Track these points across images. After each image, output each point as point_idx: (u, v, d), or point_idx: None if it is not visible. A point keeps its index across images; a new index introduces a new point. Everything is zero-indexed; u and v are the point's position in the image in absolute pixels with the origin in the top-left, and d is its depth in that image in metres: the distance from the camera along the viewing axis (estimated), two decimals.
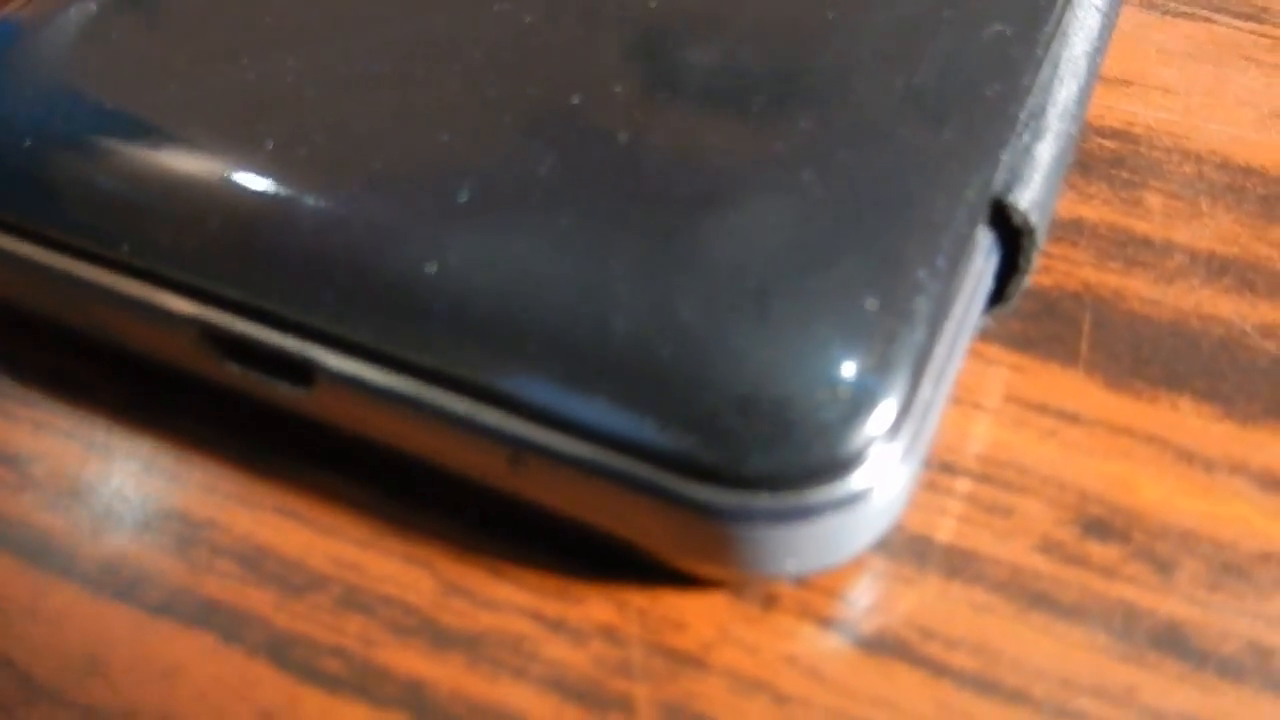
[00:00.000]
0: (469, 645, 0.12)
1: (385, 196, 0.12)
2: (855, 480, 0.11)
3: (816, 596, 0.12)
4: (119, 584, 0.12)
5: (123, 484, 0.13)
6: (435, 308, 0.11)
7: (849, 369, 0.11)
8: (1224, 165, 0.17)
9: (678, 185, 0.12)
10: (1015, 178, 0.13)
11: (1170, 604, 0.12)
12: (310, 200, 0.12)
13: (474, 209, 0.12)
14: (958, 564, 0.13)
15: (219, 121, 0.13)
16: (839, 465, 0.11)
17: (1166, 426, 0.14)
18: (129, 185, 0.12)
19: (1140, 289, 0.15)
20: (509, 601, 0.12)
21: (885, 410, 0.11)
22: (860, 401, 0.11)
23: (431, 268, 0.12)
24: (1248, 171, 0.16)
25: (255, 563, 0.13)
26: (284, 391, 0.12)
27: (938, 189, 0.12)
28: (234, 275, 0.12)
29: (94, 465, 0.13)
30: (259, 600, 0.12)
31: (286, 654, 0.12)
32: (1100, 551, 0.13)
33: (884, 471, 0.11)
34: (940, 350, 0.12)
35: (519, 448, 0.11)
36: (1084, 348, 0.15)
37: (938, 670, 0.12)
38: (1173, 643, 0.12)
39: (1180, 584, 0.12)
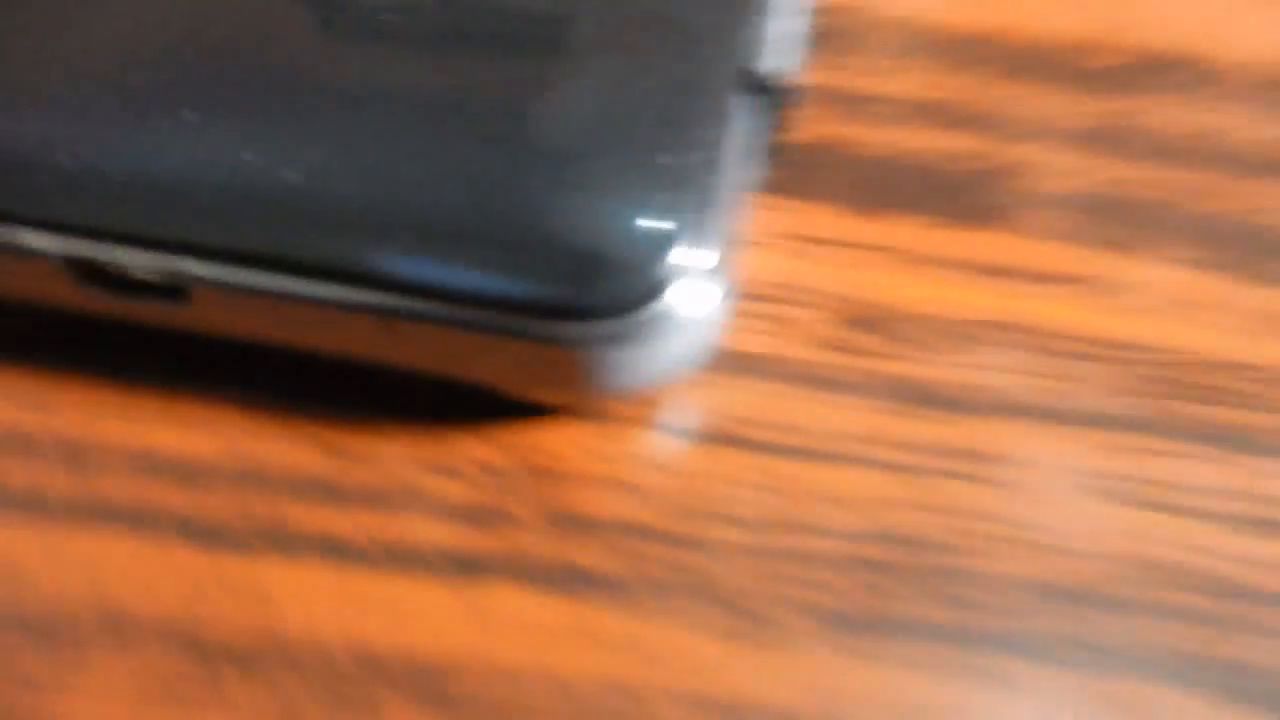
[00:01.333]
0: (367, 497, 0.14)
1: (240, 115, 0.13)
2: (667, 304, 0.13)
3: (648, 410, 0.15)
4: (15, 500, 0.13)
5: (41, 425, 0.14)
6: (300, 209, 0.13)
7: (657, 214, 0.13)
8: (915, 30, 0.20)
9: (483, 99, 0.14)
10: (767, 51, 0.15)
11: (924, 370, 0.15)
12: (163, 123, 0.13)
13: (318, 117, 0.13)
14: (756, 366, 0.15)
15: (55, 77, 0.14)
16: (655, 292, 0.13)
17: (897, 239, 0.17)
18: None
19: (861, 134, 0.18)
20: (394, 456, 0.14)
21: (687, 244, 0.13)
22: (667, 239, 0.13)
23: (293, 173, 0.13)
24: (935, 31, 0.20)
25: (147, 463, 0.14)
26: (160, 309, 0.14)
27: (701, 66, 0.15)
28: (102, 205, 0.13)
29: None
30: (159, 492, 0.13)
31: (198, 531, 0.13)
32: (866, 340, 0.16)
33: (692, 296, 0.13)
34: (725, 195, 0.14)
35: (389, 317, 0.13)
36: (825, 186, 0.17)
37: (758, 448, 0.14)
38: (931, 398, 0.15)
39: (929, 354, 0.16)
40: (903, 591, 0.13)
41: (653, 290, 0.13)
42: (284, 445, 0.14)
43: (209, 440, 0.14)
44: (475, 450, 0.14)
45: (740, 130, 0.15)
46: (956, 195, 0.17)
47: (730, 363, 0.15)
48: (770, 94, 0.16)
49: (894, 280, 0.16)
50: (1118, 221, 0.17)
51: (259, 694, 0.12)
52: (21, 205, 0.13)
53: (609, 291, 0.13)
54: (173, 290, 0.13)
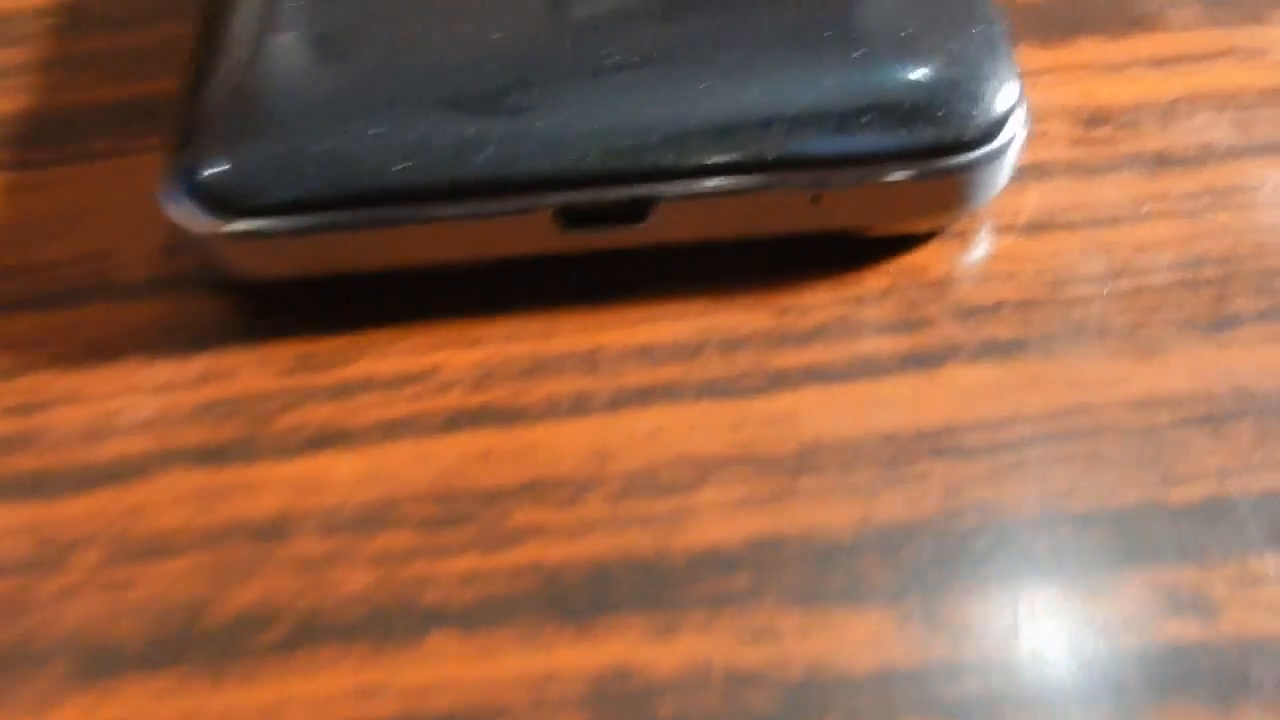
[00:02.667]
0: (818, 334, 0.17)
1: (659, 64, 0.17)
2: (1009, 131, 0.17)
3: (980, 221, 0.19)
4: (565, 409, 0.17)
5: (503, 361, 0.17)
6: (734, 121, 0.17)
7: (990, 69, 0.17)
8: None
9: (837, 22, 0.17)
10: None
11: (1154, 143, 0.20)
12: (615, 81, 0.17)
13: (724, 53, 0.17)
14: (1038, 170, 0.19)
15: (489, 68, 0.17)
16: (1001, 123, 0.17)
17: (1083, 57, 0.21)
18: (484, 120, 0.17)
19: None
20: (821, 302, 0.18)
21: (1009, 87, 0.17)
22: (1002, 84, 0.17)
23: (726, 96, 0.17)
24: None
25: (647, 354, 0.17)
26: (619, 233, 0.17)
27: None
28: (581, 155, 0.16)
29: (477, 355, 0.17)
30: (669, 372, 0.17)
31: (715, 390, 0.17)
32: (1101, 133, 0.20)
33: (1016, 124, 0.17)
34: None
35: (820, 188, 0.17)
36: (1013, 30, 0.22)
37: (1072, 226, 0.19)
38: (1169, 161, 0.20)
39: (1151, 132, 0.20)
40: (1238, 292, 0.17)
41: (1000, 122, 0.17)
42: (739, 315, 0.18)
43: (681, 326, 0.18)
44: (876, 282, 0.18)
45: None
46: (1110, 14, 0.22)
47: (1021, 173, 0.19)
48: None
49: (1098, 87, 0.21)
50: (1238, 2, 0.21)
51: (826, 483, 0.16)
52: (515, 173, 0.17)
53: (980, 126, 0.17)
54: (635, 213, 0.17)
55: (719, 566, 0.15)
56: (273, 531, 0.16)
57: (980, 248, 0.19)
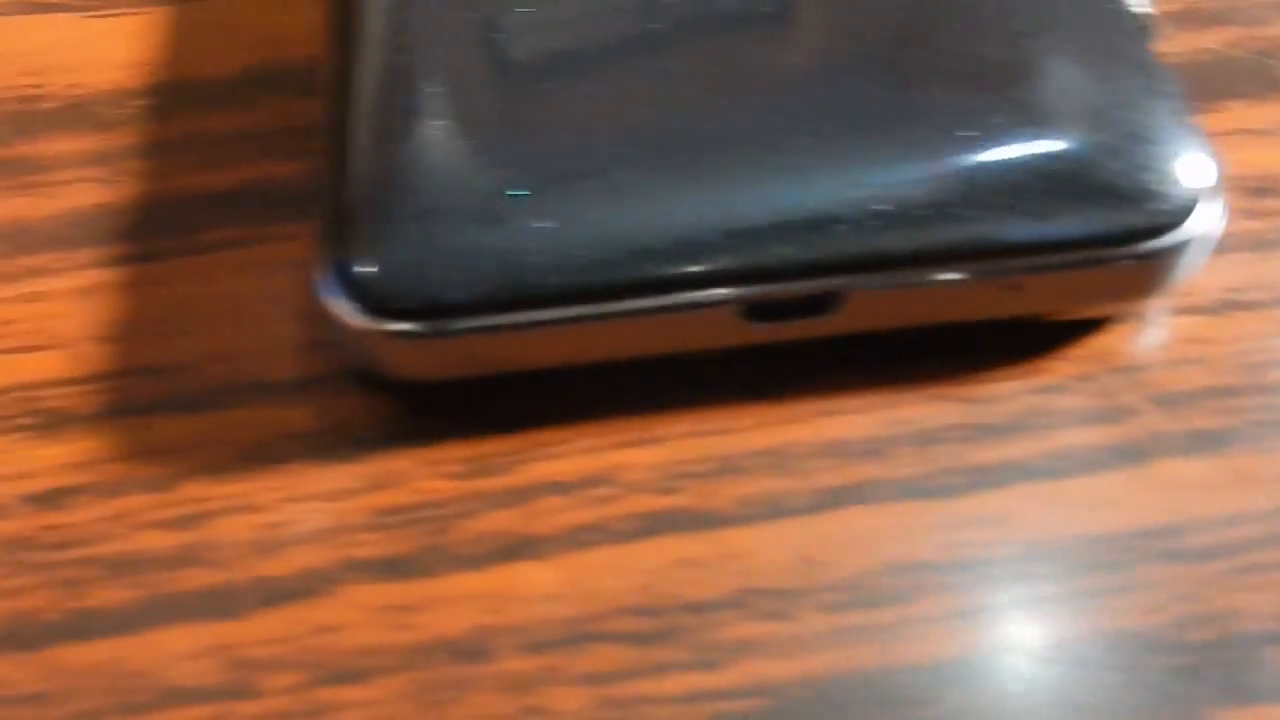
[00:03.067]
0: (1013, 427, 0.17)
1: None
2: (1211, 211, 0.17)
3: (1161, 301, 0.18)
4: (764, 512, 0.16)
5: (687, 460, 0.16)
6: (944, 209, 0.16)
7: (1186, 144, 0.17)
8: None
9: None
10: None
11: None
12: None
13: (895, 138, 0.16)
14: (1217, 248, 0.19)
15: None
16: (1196, 200, 0.17)
17: (1239, 122, 0.21)
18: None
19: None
20: (1008, 391, 0.17)
21: (1204, 160, 0.17)
22: (1198, 159, 0.16)
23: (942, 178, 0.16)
24: None
25: (836, 450, 0.16)
26: (806, 325, 0.16)
27: (1118, 21, 0.18)
28: (773, 246, 0.16)
29: (658, 453, 0.16)
30: (862, 468, 0.16)
31: (912, 488, 0.16)
32: (1273, 204, 0.19)
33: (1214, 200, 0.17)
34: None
35: (1023, 275, 0.16)
36: None
37: (1258, 305, 0.18)
38: None
39: None
40: None
41: (1202, 198, 0.16)
42: (925, 406, 0.17)
43: (868, 420, 0.17)
44: (1062, 368, 0.17)
45: None
46: (1250, 76, 0.21)
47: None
48: (1150, 32, 0.19)
49: (1254, 154, 0.20)
50: None
51: (1050, 591, 0.15)
52: (700, 267, 0.16)
53: (1185, 204, 0.16)
54: (826, 305, 0.16)
55: (950, 684, 0.14)
56: (473, 650, 0.15)
57: (1165, 329, 0.18)
